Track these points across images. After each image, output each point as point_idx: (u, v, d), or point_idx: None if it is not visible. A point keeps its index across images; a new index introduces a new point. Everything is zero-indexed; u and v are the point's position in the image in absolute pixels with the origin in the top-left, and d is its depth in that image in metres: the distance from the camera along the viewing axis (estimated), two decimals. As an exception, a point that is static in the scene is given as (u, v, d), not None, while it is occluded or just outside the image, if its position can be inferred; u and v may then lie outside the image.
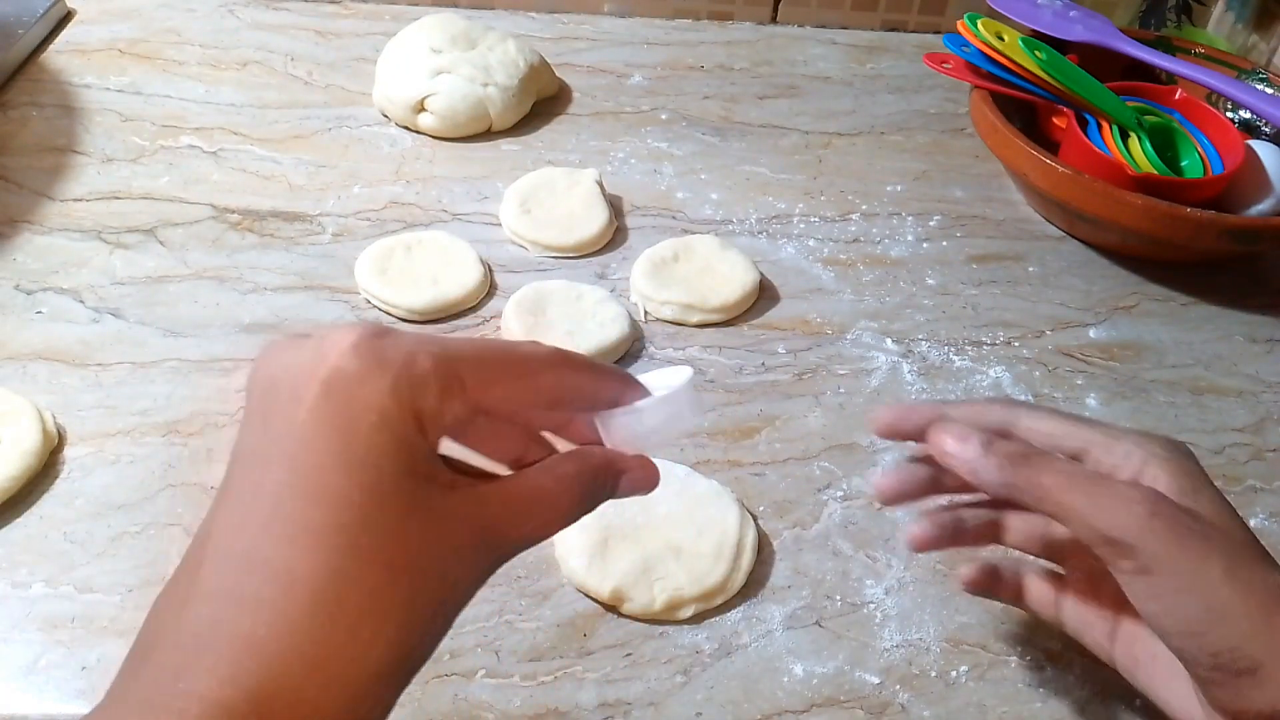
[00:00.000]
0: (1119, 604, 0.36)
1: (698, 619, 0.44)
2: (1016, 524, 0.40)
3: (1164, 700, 0.35)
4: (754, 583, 0.45)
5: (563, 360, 0.30)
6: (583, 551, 0.44)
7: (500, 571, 0.28)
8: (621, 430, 0.32)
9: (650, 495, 0.34)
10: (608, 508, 0.32)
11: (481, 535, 0.27)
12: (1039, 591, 0.40)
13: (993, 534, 0.40)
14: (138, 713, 0.22)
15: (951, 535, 0.39)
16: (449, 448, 0.28)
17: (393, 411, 0.25)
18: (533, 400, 0.29)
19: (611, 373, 0.32)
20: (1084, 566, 0.39)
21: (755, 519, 0.48)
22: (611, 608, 0.44)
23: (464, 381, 0.27)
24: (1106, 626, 0.38)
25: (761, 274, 0.61)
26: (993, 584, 0.41)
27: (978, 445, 0.34)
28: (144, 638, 0.24)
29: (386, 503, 0.24)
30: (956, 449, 0.35)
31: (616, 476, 0.31)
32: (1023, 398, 0.55)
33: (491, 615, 0.43)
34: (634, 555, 0.44)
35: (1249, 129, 0.70)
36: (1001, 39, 0.66)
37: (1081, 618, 0.39)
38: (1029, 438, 0.36)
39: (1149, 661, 0.36)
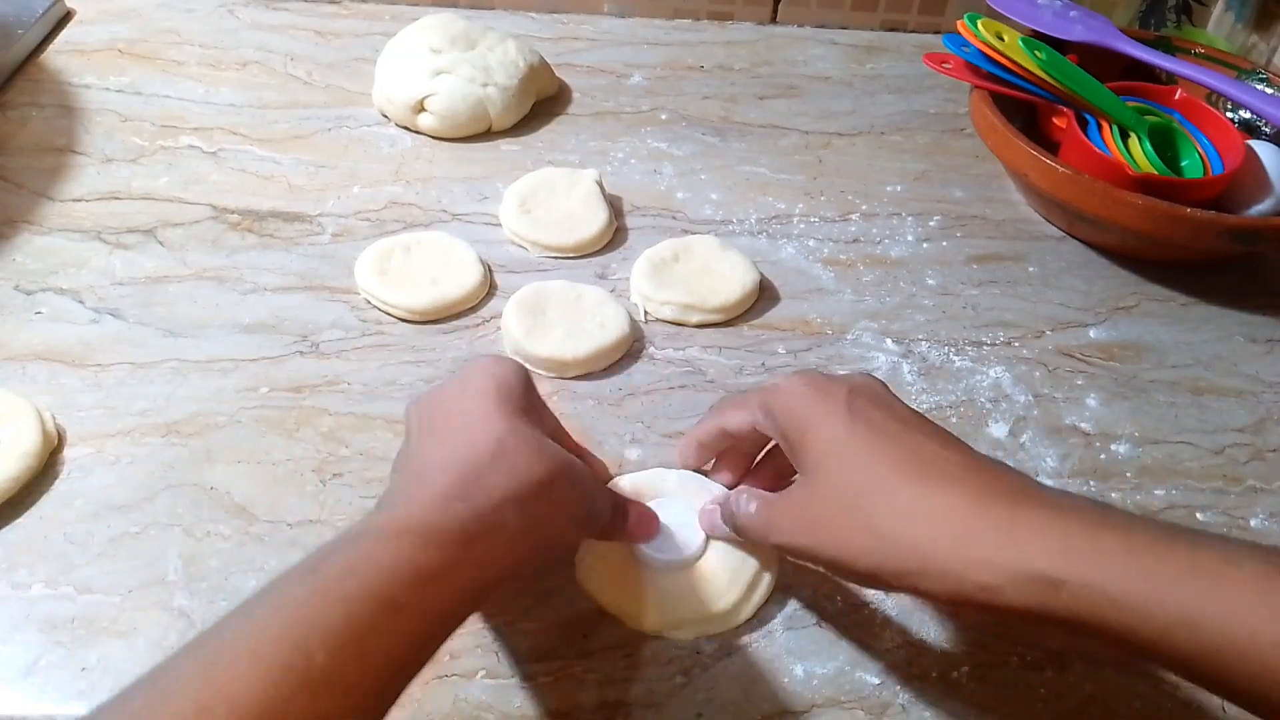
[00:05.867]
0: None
1: (698, 620, 0.44)
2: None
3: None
4: (754, 583, 0.45)
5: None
6: (605, 575, 0.44)
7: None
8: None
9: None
10: None
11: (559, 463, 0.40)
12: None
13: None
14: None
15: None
16: None
17: (518, 373, 0.41)
18: None
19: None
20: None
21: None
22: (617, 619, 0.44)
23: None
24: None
25: (761, 274, 0.61)
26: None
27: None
28: (391, 488, 0.38)
29: (515, 421, 0.39)
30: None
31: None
32: (1023, 398, 0.55)
33: (492, 615, 0.43)
34: (653, 579, 0.44)
35: (1249, 129, 0.70)
36: (1001, 39, 0.66)
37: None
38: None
39: None
